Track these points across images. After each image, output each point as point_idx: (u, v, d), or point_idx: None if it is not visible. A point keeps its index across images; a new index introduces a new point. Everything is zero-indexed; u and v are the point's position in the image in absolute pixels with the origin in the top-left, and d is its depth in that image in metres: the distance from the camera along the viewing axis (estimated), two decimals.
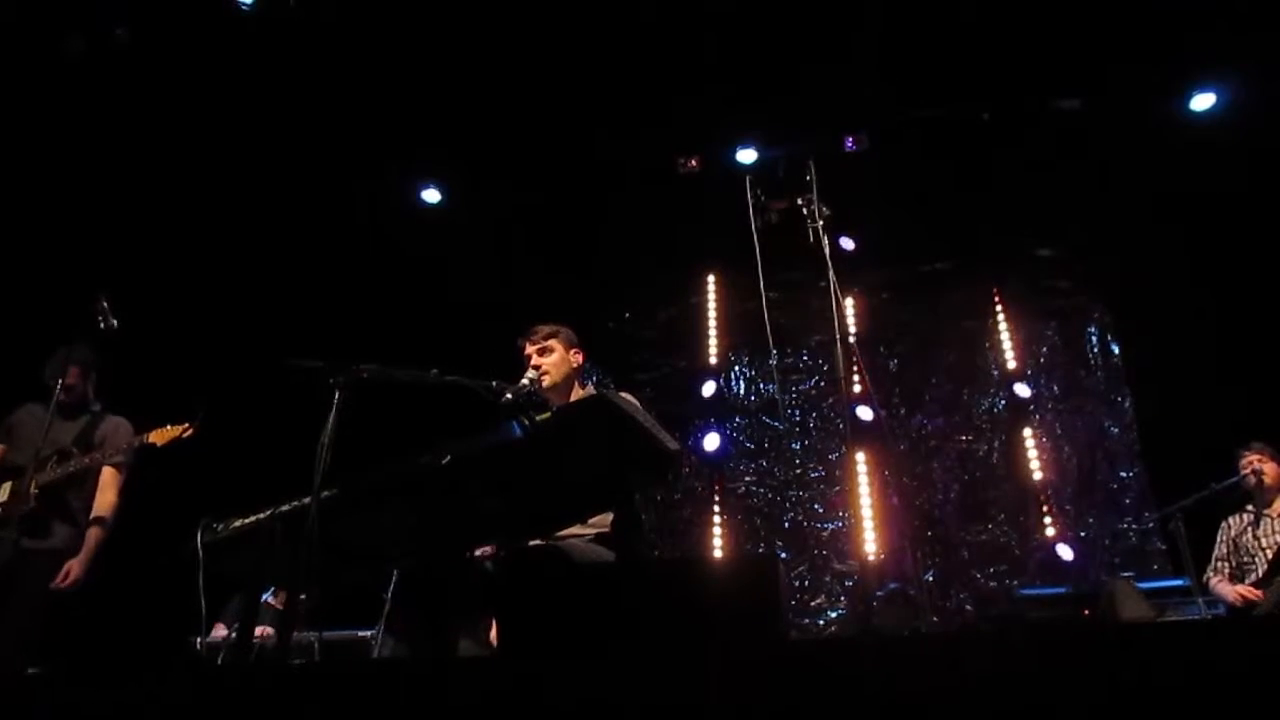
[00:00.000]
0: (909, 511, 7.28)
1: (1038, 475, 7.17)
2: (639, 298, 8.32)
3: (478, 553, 3.41)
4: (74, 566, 4.58)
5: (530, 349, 3.82)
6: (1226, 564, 5.32)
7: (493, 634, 3.41)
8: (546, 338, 3.82)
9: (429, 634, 3.32)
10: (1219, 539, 5.42)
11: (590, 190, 7.53)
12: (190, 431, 4.60)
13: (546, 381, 3.71)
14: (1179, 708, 1.77)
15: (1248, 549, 5.25)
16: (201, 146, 6.78)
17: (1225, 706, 1.74)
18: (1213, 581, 5.30)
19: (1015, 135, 6.97)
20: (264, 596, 5.75)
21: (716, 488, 7.67)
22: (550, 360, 3.77)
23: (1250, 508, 5.37)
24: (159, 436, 4.64)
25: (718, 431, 7.77)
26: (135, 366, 4.79)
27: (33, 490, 4.48)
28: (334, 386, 3.10)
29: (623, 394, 3.07)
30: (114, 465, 4.81)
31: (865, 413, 7.13)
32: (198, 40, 6.33)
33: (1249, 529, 5.30)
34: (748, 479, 7.79)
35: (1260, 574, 5.09)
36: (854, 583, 7.13)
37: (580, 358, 3.88)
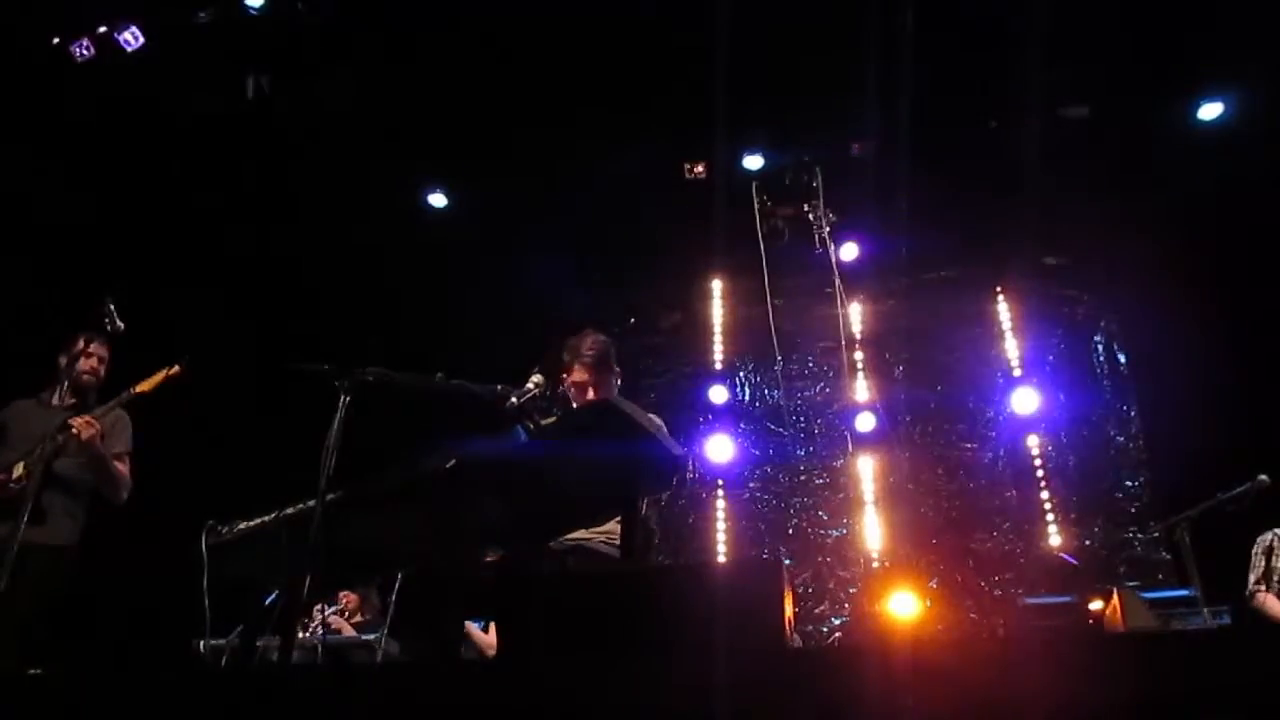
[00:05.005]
0: (913, 519, 7.26)
1: (1043, 484, 7.15)
2: (644, 303, 8.31)
3: (482, 557, 3.41)
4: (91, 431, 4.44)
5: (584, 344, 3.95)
6: (1275, 579, 5.23)
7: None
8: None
9: (433, 637, 3.33)
10: (1256, 551, 5.32)
11: (596, 196, 7.53)
12: (177, 372, 4.56)
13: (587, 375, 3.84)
14: (1183, 718, 1.76)
15: None
16: (208, 149, 6.80)
17: (1229, 716, 1.74)
18: (1265, 598, 5.18)
19: (1022, 142, 6.96)
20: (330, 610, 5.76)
21: (721, 493, 7.66)
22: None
23: None
24: (146, 384, 4.57)
25: (730, 440, 7.72)
26: (139, 370, 4.78)
27: (22, 472, 4.39)
28: (339, 390, 3.11)
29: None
30: (119, 457, 4.79)
31: (869, 419, 7.12)
32: (204, 43, 6.35)
33: None
34: (752, 485, 7.77)
35: None
36: (858, 590, 7.11)
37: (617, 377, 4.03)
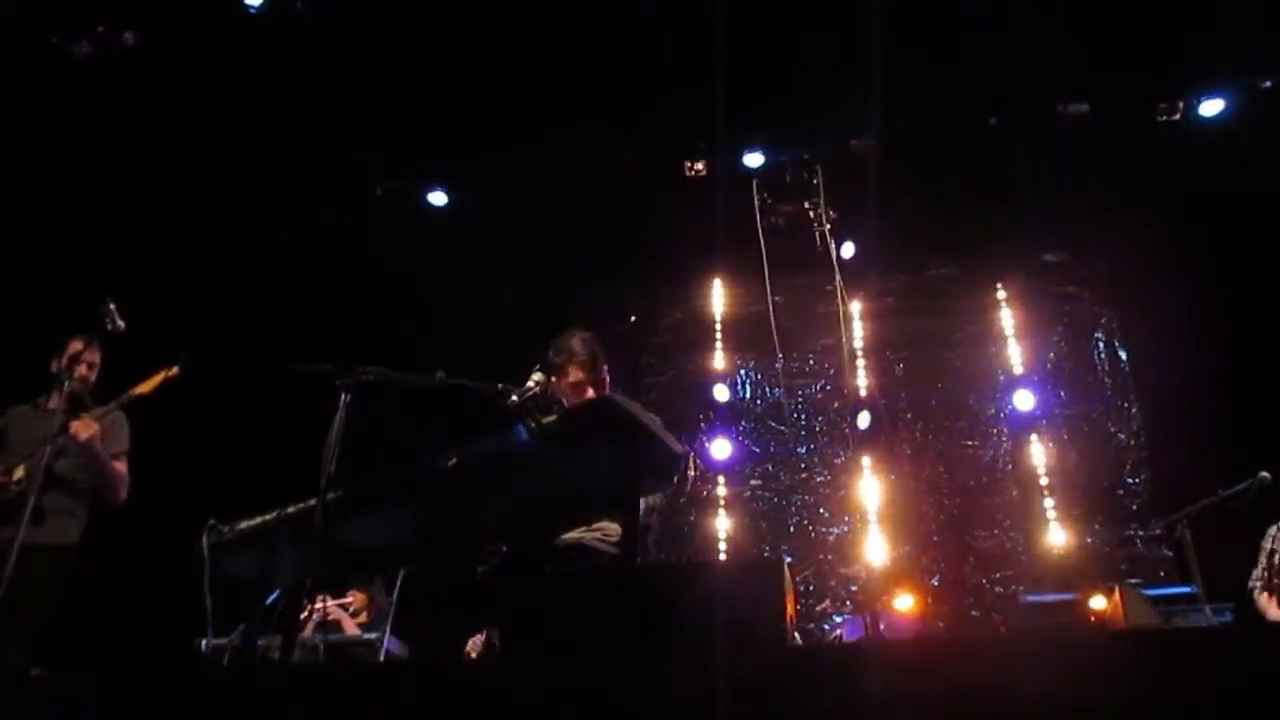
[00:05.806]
0: (914, 517, 7.26)
1: (1043, 481, 7.14)
2: (645, 302, 8.31)
3: (483, 555, 3.41)
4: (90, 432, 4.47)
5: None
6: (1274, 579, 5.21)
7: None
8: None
9: (434, 636, 3.33)
10: (1264, 547, 5.28)
11: (596, 194, 7.53)
12: (175, 372, 4.58)
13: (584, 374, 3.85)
14: (1184, 714, 1.76)
15: None
16: (209, 149, 6.79)
17: (1231, 713, 1.74)
18: (1268, 603, 5.15)
19: (1022, 140, 6.96)
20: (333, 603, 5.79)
21: (721, 492, 7.66)
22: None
23: None
24: (146, 386, 4.60)
25: (730, 439, 7.73)
26: (138, 369, 4.78)
27: (23, 474, 4.42)
28: (340, 389, 3.11)
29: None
30: (117, 457, 4.81)
31: (870, 417, 7.11)
32: (205, 42, 6.35)
33: None
34: (753, 483, 7.78)
35: None
36: (859, 588, 7.11)
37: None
